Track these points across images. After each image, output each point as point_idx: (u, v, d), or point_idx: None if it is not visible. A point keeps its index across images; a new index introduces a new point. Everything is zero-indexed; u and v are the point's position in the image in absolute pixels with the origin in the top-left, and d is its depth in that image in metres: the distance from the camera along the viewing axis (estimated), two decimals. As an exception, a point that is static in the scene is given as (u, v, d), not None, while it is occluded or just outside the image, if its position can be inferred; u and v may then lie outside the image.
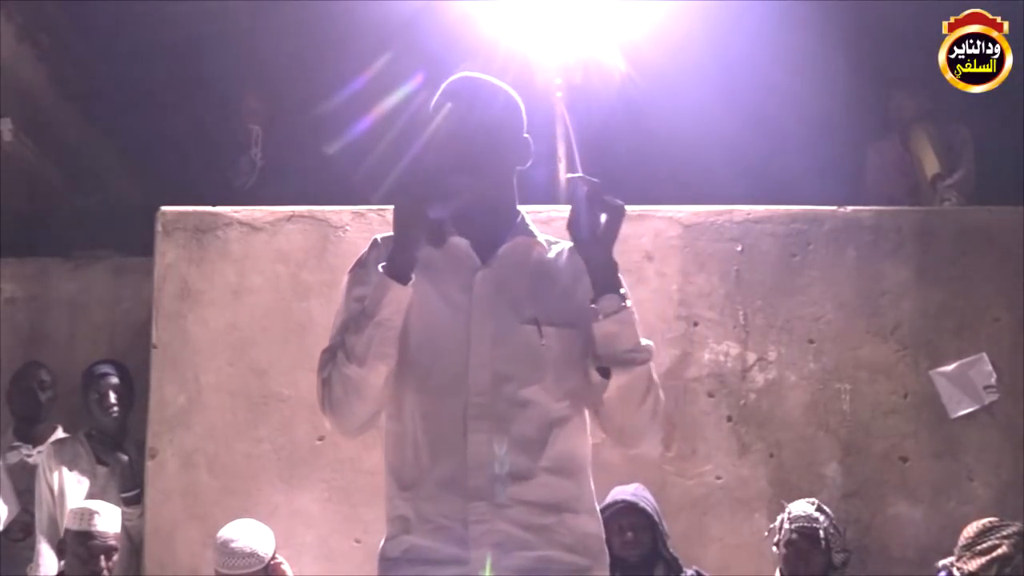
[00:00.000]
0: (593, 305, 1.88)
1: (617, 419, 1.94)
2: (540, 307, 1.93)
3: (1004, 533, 3.56)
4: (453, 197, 1.88)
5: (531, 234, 2.02)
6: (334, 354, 1.91)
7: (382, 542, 1.97)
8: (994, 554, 3.53)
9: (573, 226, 1.89)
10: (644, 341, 1.92)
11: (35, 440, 4.34)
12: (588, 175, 1.92)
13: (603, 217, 1.88)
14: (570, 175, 1.94)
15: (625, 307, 1.89)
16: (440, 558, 1.86)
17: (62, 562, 3.81)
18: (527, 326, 1.91)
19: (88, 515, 3.72)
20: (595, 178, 1.90)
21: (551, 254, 2.03)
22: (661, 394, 1.95)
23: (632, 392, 1.90)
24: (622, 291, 1.90)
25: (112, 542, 3.74)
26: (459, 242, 1.95)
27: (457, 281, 1.93)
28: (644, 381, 1.91)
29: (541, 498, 1.88)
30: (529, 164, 2.05)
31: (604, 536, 1.98)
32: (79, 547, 3.69)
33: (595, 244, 1.88)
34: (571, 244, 2.00)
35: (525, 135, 2.04)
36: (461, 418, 1.88)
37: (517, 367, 1.90)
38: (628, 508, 3.65)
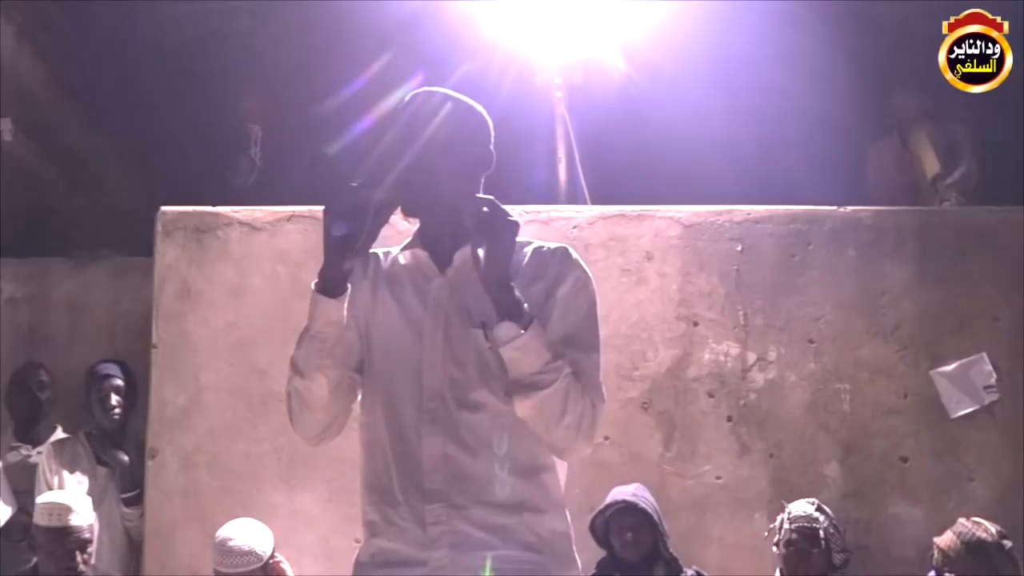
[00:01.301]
0: (492, 332, 1.87)
1: (542, 435, 1.93)
2: (490, 310, 1.91)
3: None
4: (358, 213, 1.87)
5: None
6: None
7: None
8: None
9: (472, 251, 1.88)
10: (557, 357, 1.88)
11: (34, 440, 4.34)
12: (588, 177, 1.91)
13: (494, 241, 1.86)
14: (471, 199, 1.89)
15: (521, 334, 1.85)
16: (401, 560, 1.91)
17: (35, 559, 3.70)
18: (475, 330, 1.93)
19: (62, 511, 3.59)
20: (490, 196, 1.89)
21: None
22: (592, 406, 1.92)
23: (545, 412, 1.89)
24: (523, 313, 1.86)
25: (87, 535, 3.62)
26: (419, 253, 2.01)
27: (416, 291, 1.99)
28: (557, 401, 1.88)
29: (499, 498, 1.91)
30: (489, 171, 2.05)
31: (572, 535, 2.00)
32: (52, 544, 3.57)
33: (487, 267, 1.86)
34: (539, 244, 2.02)
35: (489, 147, 2.04)
36: (416, 423, 1.93)
37: (467, 371, 1.93)
38: (628, 508, 3.65)
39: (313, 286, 1.91)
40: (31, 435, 4.35)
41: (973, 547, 3.49)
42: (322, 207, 1.89)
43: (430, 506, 1.90)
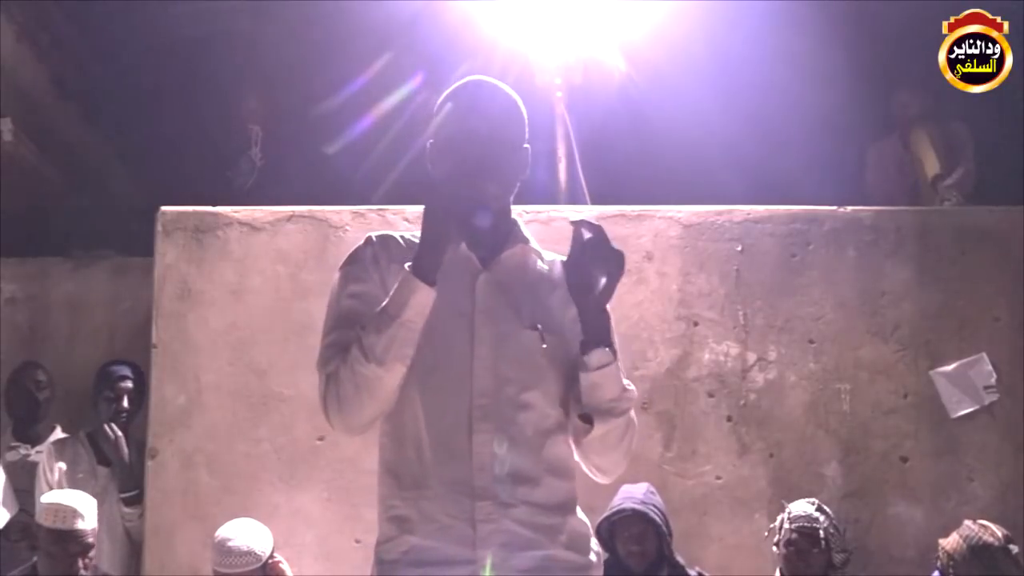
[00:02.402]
0: (583, 356, 1.89)
1: (594, 458, 1.98)
2: (540, 314, 1.94)
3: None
4: (492, 199, 1.90)
5: (527, 241, 2.03)
6: (339, 349, 1.89)
7: (375, 544, 1.95)
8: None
9: (570, 271, 1.91)
10: (627, 384, 1.94)
11: (33, 440, 4.34)
12: (588, 177, 1.92)
13: (602, 267, 1.88)
14: (575, 219, 1.92)
15: (612, 361, 1.89)
16: (445, 559, 1.85)
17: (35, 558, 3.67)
18: (529, 331, 1.92)
19: (68, 514, 3.54)
20: (600, 224, 1.89)
21: (544, 264, 2.04)
22: (636, 426, 1.98)
23: (611, 438, 1.94)
24: (612, 340, 1.91)
25: (91, 540, 3.58)
26: (460, 247, 1.95)
27: (459, 284, 1.94)
28: (623, 427, 1.94)
29: (545, 499, 1.90)
30: (526, 175, 2.06)
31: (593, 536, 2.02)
32: (54, 546, 3.53)
33: (590, 296, 1.89)
34: (563, 258, 2.02)
35: (526, 145, 2.04)
36: (466, 418, 1.88)
37: (519, 371, 1.91)
38: (637, 518, 3.58)
39: (408, 269, 1.84)
40: (30, 435, 4.35)
41: (978, 551, 3.48)
42: (425, 195, 1.88)
43: (480, 503, 1.85)
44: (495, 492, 1.86)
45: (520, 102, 2.03)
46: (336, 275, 2.01)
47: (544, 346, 1.91)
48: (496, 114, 1.97)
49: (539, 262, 2.03)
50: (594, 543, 2.00)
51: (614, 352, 1.90)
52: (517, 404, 1.90)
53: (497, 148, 1.94)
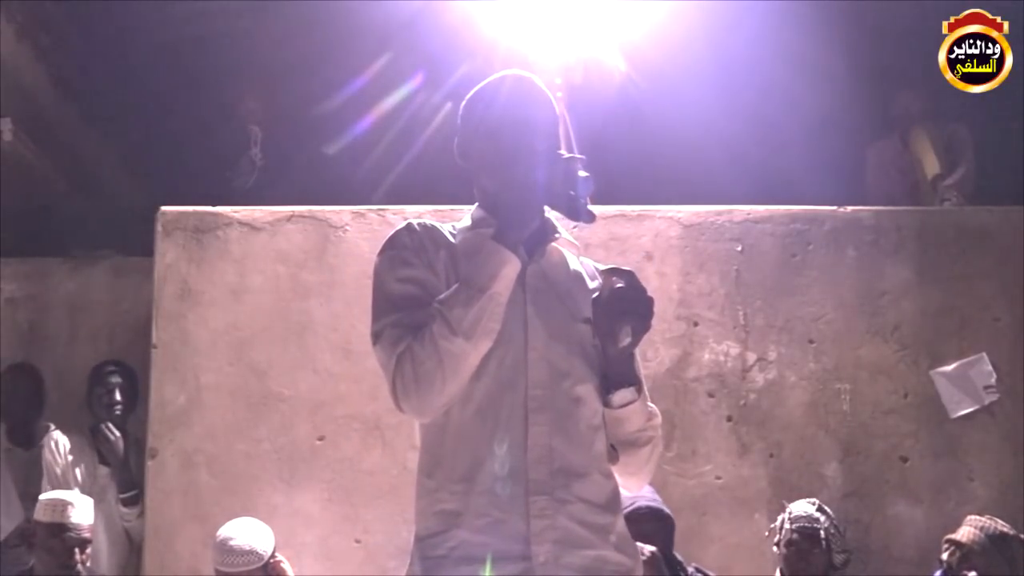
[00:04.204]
0: (607, 395, 1.91)
1: (619, 478, 1.98)
2: (584, 309, 1.93)
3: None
4: (587, 179, 1.89)
5: (560, 236, 2.02)
6: (408, 330, 1.82)
7: (415, 539, 1.89)
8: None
9: (598, 315, 1.88)
10: (652, 409, 1.95)
11: (28, 442, 4.31)
12: (590, 178, 1.92)
13: (631, 319, 1.87)
14: (607, 267, 1.91)
15: (637, 399, 1.91)
16: (496, 554, 1.80)
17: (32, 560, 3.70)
18: (582, 325, 1.91)
19: (61, 506, 3.59)
20: (631, 271, 1.88)
21: (579, 259, 2.06)
22: (661, 446, 2.00)
23: (635, 462, 1.96)
24: (638, 379, 1.93)
25: (86, 535, 3.62)
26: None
27: None
28: (648, 452, 1.96)
29: (596, 496, 1.88)
30: None
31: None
32: (51, 540, 3.57)
33: (616, 346, 1.88)
34: (584, 258, 2.05)
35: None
36: (521, 410, 1.85)
37: (572, 364, 1.89)
38: (652, 515, 3.50)
39: (494, 242, 1.82)
40: (24, 437, 4.33)
41: (997, 540, 3.49)
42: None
43: (534, 498, 1.81)
44: (551, 487, 1.83)
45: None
46: (377, 260, 1.96)
47: (595, 342, 1.90)
48: (541, 99, 2.03)
49: (575, 257, 2.04)
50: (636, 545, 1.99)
51: (640, 387, 1.91)
52: (572, 397, 1.88)
53: (550, 128, 1.98)
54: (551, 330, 1.89)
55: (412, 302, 1.85)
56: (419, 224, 1.97)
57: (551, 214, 1.99)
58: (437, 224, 1.99)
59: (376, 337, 1.87)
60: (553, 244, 1.99)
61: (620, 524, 1.93)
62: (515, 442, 1.83)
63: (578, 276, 2.01)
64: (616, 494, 1.94)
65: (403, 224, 1.98)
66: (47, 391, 4.41)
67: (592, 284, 2.00)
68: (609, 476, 1.93)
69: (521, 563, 1.79)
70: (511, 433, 1.84)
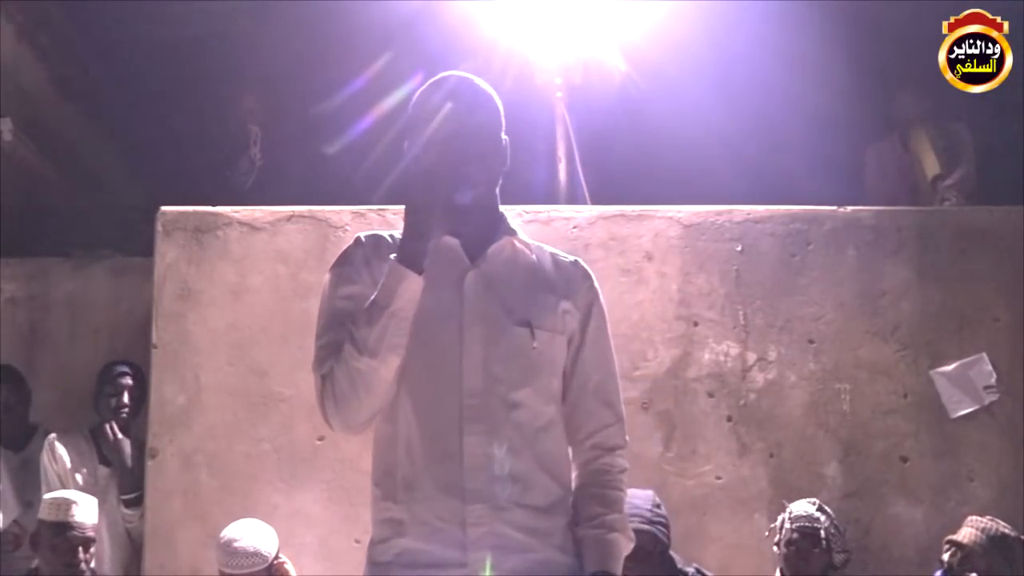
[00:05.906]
0: None
1: None
2: (531, 310, 1.93)
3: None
4: (473, 185, 1.89)
5: (515, 234, 2.01)
6: (334, 350, 1.87)
7: (368, 544, 1.95)
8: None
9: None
10: (630, 535, 1.98)
11: (18, 444, 4.26)
12: (588, 177, 1.92)
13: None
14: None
15: None
16: (436, 561, 1.84)
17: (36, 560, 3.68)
18: (519, 328, 1.91)
19: (65, 505, 3.59)
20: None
21: (535, 256, 2.02)
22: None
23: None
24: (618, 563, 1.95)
25: (90, 534, 3.61)
26: (449, 241, 1.93)
27: (447, 280, 1.92)
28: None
29: (537, 501, 1.89)
30: (507, 167, 2.04)
31: None
32: (55, 539, 3.56)
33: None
34: (552, 250, 2.03)
35: (504, 136, 2.03)
36: (456, 419, 1.87)
37: (509, 369, 1.90)
38: (647, 537, 3.39)
39: (394, 259, 1.84)
40: (13, 439, 4.27)
41: (998, 541, 3.50)
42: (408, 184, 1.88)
43: (471, 506, 1.84)
44: (487, 495, 1.85)
45: (494, 94, 2.02)
46: (326, 277, 1.99)
47: (535, 344, 1.90)
48: (468, 101, 1.96)
49: (529, 255, 2.01)
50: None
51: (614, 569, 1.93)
52: (508, 403, 1.89)
53: (472, 132, 1.93)
54: (488, 336, 1.90)
55: (349, 320, 1.88)
56: (367, 237, 2.00)
57: (508, 210, 2.01)
58: (386, 234, 2.01)
59: (313, 358, 1.93)
60: (501, 244, 1.97)
61: (568, 526, 1.94)
62: (452, 451, 1.86)
63: (530, 274, 1.99)
64: (564, 496, 1.95)
65: (353, 238, 2.01)
66: (31, 390, 4.37)
67: (550, 282, 1.99)
68: (557, 477, 1.93)
69: (459, 569, 1.83)
70: (448, 443, 1.87)
